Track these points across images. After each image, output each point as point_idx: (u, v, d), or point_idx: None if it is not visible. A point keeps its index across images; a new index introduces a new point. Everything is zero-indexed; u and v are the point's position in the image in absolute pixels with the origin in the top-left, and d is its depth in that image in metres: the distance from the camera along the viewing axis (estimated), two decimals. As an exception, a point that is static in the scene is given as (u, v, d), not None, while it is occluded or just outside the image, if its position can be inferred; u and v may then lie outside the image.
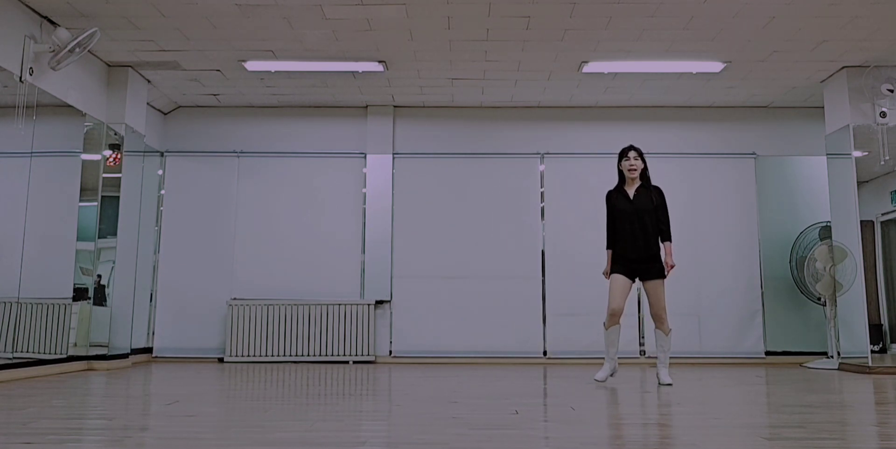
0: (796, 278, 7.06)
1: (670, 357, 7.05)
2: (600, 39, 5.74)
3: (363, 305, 7.09)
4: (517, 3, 5.07)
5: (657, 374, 4.87)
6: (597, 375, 4.88)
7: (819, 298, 6.88)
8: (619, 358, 7.04)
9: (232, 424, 3.00)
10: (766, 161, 7.43)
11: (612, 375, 4.99)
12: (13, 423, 3.00)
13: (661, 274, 4.81)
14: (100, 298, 6.09)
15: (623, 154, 4.96)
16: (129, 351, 6.44)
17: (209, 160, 7.47)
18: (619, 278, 4.85)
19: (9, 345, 5.05)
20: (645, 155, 5.03)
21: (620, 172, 5.01)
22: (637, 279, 4.91)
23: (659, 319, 4.82)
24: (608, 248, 5.03)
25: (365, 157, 7.42)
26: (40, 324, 5.46)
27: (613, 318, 4.84)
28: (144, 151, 6.78)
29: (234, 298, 7.17)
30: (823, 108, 6.78)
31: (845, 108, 6.36)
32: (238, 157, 7.47)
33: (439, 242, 7.32)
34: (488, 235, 7.27)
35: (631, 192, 4.96)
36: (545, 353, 7.10)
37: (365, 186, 7.37)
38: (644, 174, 4.97)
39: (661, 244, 4.92)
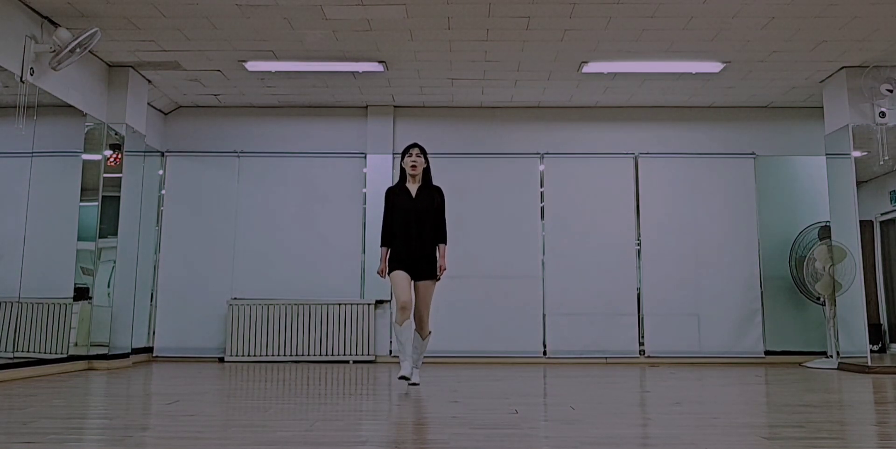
0: (796, 278, 7.07)
1: (673, 357, 7.07)
2: (600, 39, 5.74)
3: (363, 304, 7.09)
4: (517, 3, 5.08)
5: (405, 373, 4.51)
6: (401, 372, 4.45)
7: (818, 298, 6.89)
8: (618, 358, 7.06)
9: (232, 424, 3.00)
10: (766, 161, 7.43)
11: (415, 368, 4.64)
12: (14, 422, 3.01)
13: (432, 275, 4.65)
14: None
15: (406, 151, 4.79)
16: (129, 351, 6.45)
17: (209, 160, 7.47)
18: (400, 274, 4.60)
19: (9, 345, 5.06)
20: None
21: (402, 170, 4.83)
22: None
23: (421, 321, 4.59)
24: (383, 245, 4.76)
25: (365, 157, 7.42)
26: (41, 324, 5.46)
27: (405, 311, 4.54)
28: (145, 151, 6.78)
29: (234, 298, 7.18)
30: (823, 108, 6.78)
31: (845, 108, 6.36)
32: (238, 157, 7.48)
33: (439, 241, 7.31)
34: (488, 234, 7.28)
35: (413, 190, 4.77)
36: (545, 353, 7.10)
37: (365, 186, 7.37)
38: (426, 173, 4.82)
39: (435, 246, 4.75)
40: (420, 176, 4.78)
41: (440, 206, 4.79)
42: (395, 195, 4.78)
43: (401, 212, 4.71)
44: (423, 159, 4.78)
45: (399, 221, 4.70)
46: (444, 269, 4.74)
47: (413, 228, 4.66)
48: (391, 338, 7.12)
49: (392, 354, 7.10)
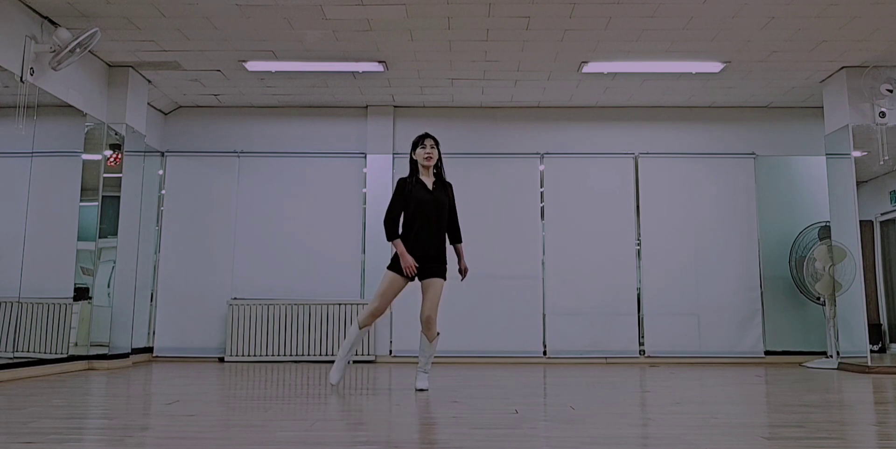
0: (796, 278, 7.07)
1: (673, 357, 7.07)
2: (600, 39, 5.74)
3: (363, 305, 7.09)
4: (517, 3, 5.08)
5: (415, 377, 4.51)
6: (331, 378, 4.49)
7: (818, 298, 6.89)
8: (618, 358, 7.06)
9: (232, 424, 3.00)
10: (766, 161, 7.43)
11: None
12: (14, 422, 3.01)
13: (442, 274, 4.42)
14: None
15: (419, 142, 4.50)
16: (129, 351, 6.45)
17: (209, 160, 7.47)
18: (398, 280, 4.38)
19: (9, 345, 5.05)
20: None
21: (413, 162, 4.55)
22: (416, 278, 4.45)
23: (428, 323, 4.34)
24: (394, 238, 4.41)
25: (365, 157, 7.42)
26: (41, 324, 5.46)
27: (373, 318, 4.43)
28: (145, 151, 6.78)
29: (234, 298, 7.18)
30: (823, 108, 6.78)
31: (845, 108, 6.36)
32: (238, 157, 7.48)
33: (439, 241, 7.30)
34: (488, 235, 7.27)
35: (429, 183, 4.49)
36: (545, 353, 7.10)
37: (365, 186, 7.37)
38: (438, 166, 4.56)
39: (453, 246, 4.61)
40: (433, 169, 4.54)
41: (454, 203, 4.59)
42: (412, 186, 4.48)
43: (418, 205, 4.41)
44: (436, 151, 4.52)
45: (416, 215, 4.42)
46: (468, 270, 4.58)
47: (432, 223, 4.42)
48: (391, 338, 7.12)
49: (392, 354, 7.10)
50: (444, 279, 4.44)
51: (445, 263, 4.47)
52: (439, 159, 4.55)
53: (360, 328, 4.48)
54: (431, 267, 4.41)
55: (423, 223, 4.41)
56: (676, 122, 7.52)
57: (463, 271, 4.57)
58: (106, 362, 6.03)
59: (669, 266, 7.25)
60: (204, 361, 6.94)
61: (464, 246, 4.74)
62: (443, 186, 4.56)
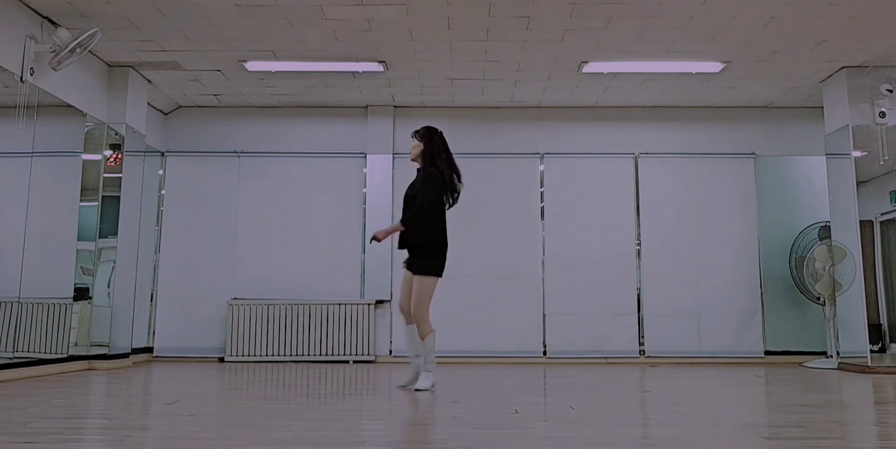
0: (796, 278, 7.07)
1: (673, 357, 7.07)
2: (600, 39, 5.74)
3: (363, 304, 7.09)
4: (517, 3, 5.08)
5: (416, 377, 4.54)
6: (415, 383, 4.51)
7: (818, 298, 6.89)
8: (616, 358, 7.05)
9: (232, 424, 3.00)
10: (766, 161, 7.43)
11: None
12: (14, 422, 3.01)
13: (419, 270, 4.41)
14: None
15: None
16: (129, 351, 6.45)
17: (209, 160, 7.47)
18: (404, 274, 4.56)
19: (9, 345, 5.05)
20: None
21: None
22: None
23: (413, 318, 4.44)
24: None
25: (365, 157, 7.42)
26: (41, 324, 5.46)
27: (401, 313, 4.57)
28: (145, 151, 6.78)
29: (235, 298, 7.17)
30: (823, 108, 6.78)
31: (845, 108, 6.36)
32: (238, 157, 7.48)
33: (439, 241, 7.29)
34: (488, 234, 7.27)
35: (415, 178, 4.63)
36: (545, 352, 7.10)
37: (365, 186, 7.37)
38: (425, 156, 4.54)
39: (417, 237, 4.47)
40: (420, 160, 4.59)
41: (422, 187, 4.46)
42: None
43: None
44: (415, 143, 4.58)
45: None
46: (376, 237, 4.43)
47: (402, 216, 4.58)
48: (391, 338, 7.12)
49: (392, 354, 7.10)
50: (426, 275, 4.40)
51: (424, 258, 4.42)
52: (426, 150, 4.55)
53: (407, 326, 4.59)
54: (410, 262, 4.52)
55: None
56: (676, 122, 7.53)
57: (374, 236, 4.47)
58: (106, 362, 6.03)
59: (669, 266, 7.25)
60: (204, 361, 6.94)
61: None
62: (418, 177, 4.59)
